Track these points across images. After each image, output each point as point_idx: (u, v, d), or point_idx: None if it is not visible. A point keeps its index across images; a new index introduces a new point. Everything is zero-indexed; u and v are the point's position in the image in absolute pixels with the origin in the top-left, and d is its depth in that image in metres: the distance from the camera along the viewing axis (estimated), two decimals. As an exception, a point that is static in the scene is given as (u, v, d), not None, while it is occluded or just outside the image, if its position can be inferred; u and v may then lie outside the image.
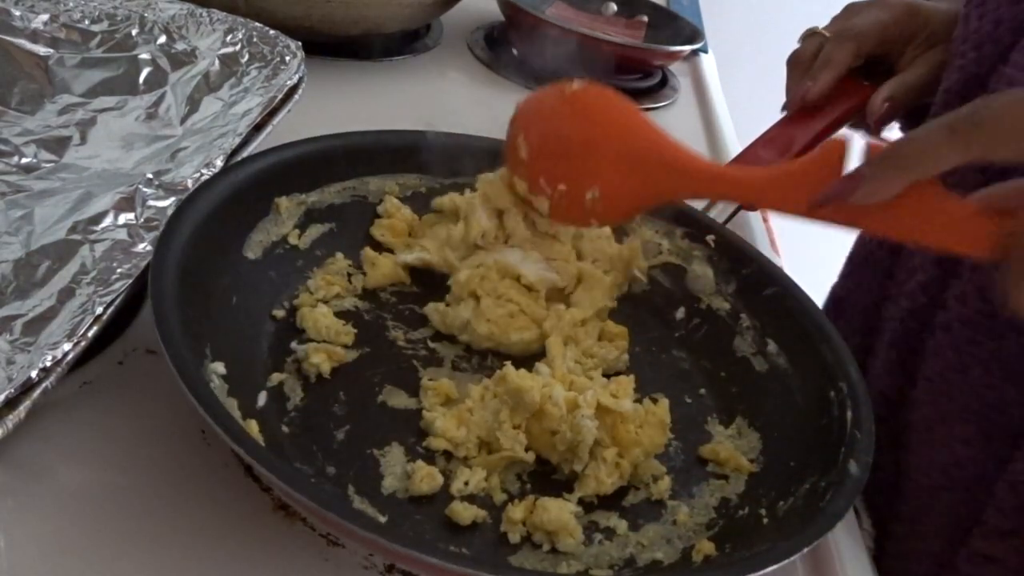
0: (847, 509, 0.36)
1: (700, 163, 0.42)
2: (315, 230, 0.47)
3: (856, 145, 0.36)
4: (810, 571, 0.41)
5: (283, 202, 0.45)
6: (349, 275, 0.48)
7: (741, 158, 0.53)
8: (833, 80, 0.55)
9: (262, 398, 0.39)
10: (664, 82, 0.87)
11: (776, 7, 1.45)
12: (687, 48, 0.85)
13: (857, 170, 0.35)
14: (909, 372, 0.48)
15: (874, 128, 0.55)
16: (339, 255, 0.47)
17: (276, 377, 0.40)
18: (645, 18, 0.89)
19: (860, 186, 0.35)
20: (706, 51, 0.95)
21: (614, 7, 0.91)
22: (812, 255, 0.93)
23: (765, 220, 0.68)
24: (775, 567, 0.32)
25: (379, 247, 0.49)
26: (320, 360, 0.41)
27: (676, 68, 0.91)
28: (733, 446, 0.43)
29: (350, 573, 0.34)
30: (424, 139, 0.51)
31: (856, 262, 0.58)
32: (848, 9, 0.59)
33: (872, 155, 0.35)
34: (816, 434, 0.41)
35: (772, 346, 0.47)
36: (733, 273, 0.50)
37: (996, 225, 0.34)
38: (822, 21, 0.61)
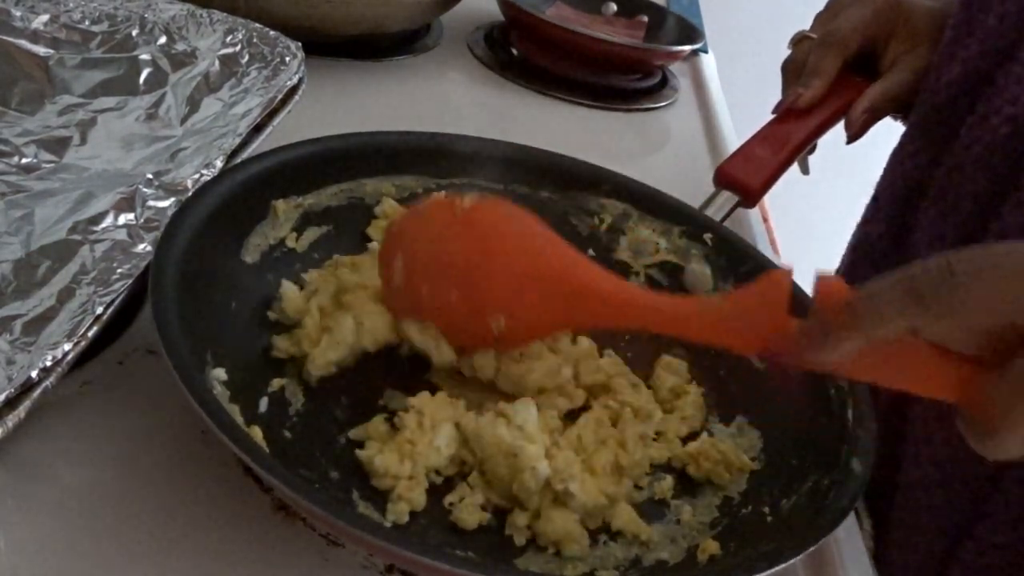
0: (851, 507, 0.36)
1: (616, 288, 0.38)
2: (312, 232, 0.47)
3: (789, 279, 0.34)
4: (810, 571, 0.41)
5: (280, 205, 0.45)
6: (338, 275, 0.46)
7: (738, 154, 0.53)
8: (823, 88, 0.55)
9: (263, 404, 0.39)
10: (664, 82, 0.87)
11: (776, 7, 1.45)
12: (687, 48, 0.85)
13: (809, 330, 0.32)
14: None
15: (852, 136, 0.55)
16: (337, 257, 0.47)
17: (277, 382, 0.40)
18: (645, 18, 0.89)
19: (812, 348, 0.32)
20: (706, 51, 0.95)
21: (614, 7, 0.91)
22: (812, 255, 0.93)
23: (765, 220, 0.68)
24: (781, 567, 0.32)
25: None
26: (286, 346, 0.41)
27: (676, 68, 0.91)
28: (734, 444, 0.43)
29: (350, 573, 0.34)
30: (420, 140, 0.51)
31: (857, 255, 0.58)
32: (830, 8, 0.59)
33: (825, 311, 0.31)
34: (817, 432, 0.41)
35: None
36: (731, 271, 0.50)
37: (966, 372, 0.31)
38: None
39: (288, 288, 0.43)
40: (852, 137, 0.56)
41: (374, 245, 0.48)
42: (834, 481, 0.37)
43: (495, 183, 0.51)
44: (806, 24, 0.63)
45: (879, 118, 0.55)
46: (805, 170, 0.58)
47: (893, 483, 0.49)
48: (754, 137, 0.53)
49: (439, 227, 0.40)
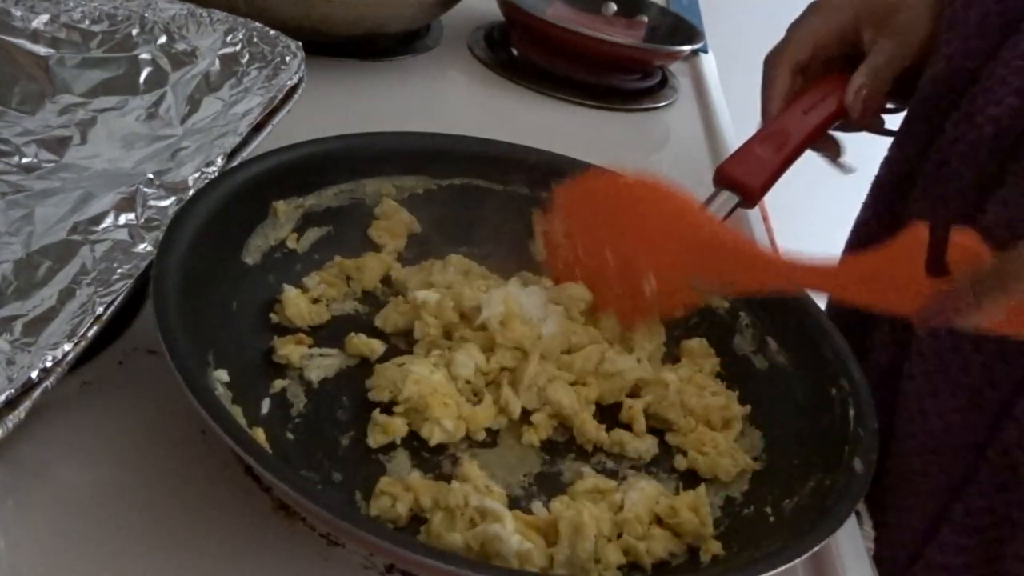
0: (853, 508, 0.36)
1: (763, 250, 0.42)
2: (313, 233, 0.47)
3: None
4: (810, 571, 0.41)
5: (280, 206, 0.45)
6: (348, 278, 0.47)
7: (738, 154, 0.53)
8: (778, 100, 0.54)
9: (266, 405, 0.39)
10: (664, 82, 0.87)
11: (776, 7, 1.44)
12: (687, 48, 0.85)
13: (959, 293, 0.35)
14: (903, 345, 0.49)
15: (862, 122, 0.54)
16: (337, 258, 0.47)
17: (279, 383, 0.40)
18: (645, 18, 0.89)
19: (964, 312, 0.34)
20: (706, 51, 0.95)
21: (614, 7, 0.91)
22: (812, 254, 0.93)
23: (765, 219, 0.68)
24: (784, 567, 0.32)
25: (377, 249, 0.49)
26: (288, 351, 0.41)
27: (676, 68, 0.91)
28: (736, 445, 0.43)
29: (350, 573, 0.34)
30: (421, 141, 0.51)
31: (859, 243, 0.59)
32: (802, 14, 0.58)
33: (966, 270, 0.34)
34: (819, 432, 0.41)
35: (772, 344, 0.46)
36: None
37: None
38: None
39: (289, 292, 0.43)
40: (863, 123, 0.55)
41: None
42: (836, 482, 0.37)
43: (496, 183, 0.51)
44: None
45: (878, 98, 0.53)
46: (847, 170, 0.57)
47: (887, 450, 0.50)
48: (754, 137, 0.53)
49: (601, 197, 0.44)
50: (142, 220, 0.42)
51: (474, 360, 0.42)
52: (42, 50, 0.51)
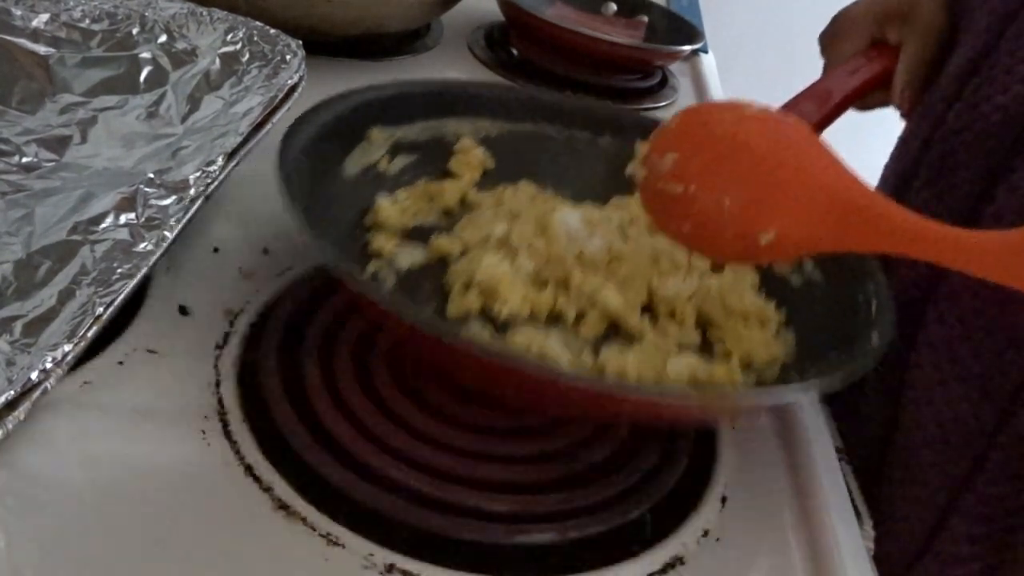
0: (868, 363, 0.38)
1: (899, 213, 0.36)
2: (401, 160, 0.53)
3: None
4: (810, 571, 0.41)
5: (375, 133, 0.52)
6: (431, 198, 0.53)
7: (785, 108, 0.52)
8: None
9: None
10: (664, 82, 0.87)
11: (776, 7, 1.45)
12: (687, 48, 0.85)
13: None
14: (909, 337, 0.49)
15: (908, 113, 0.57)
16: (422, 181, 0.54)
17: (372, 266, 0.47)
18: (645, 18, 0.89)
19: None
20: (706, 51, 0.95)
21: (614, 7, 0.91)
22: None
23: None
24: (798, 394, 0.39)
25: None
26: (380, 243, 0.48)
27: (676, 68, 0.91)
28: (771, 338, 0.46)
29: (350, 573, 0.34)
30: (501, 91, 0.61)
31: None
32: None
33: None
34: (845, 327, 0.43)
35: (808, 265, 0.49)
36: None
37: None
38: (822, 21, 0.62)
39: (382, 200, 0.51)
40: (909, 108, 0.57)
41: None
42: (851, 352, 0.39)
43: (560, 129, 0.57)
44: (805, 25, 0.63)
45: (921, 89, 0.56)
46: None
47: (891, 443, 0.51)
48: (801, 94, 0.55)
49: (724, 129, 0.39)
50: (143, 219, 0.42)
51: (533, 261, 0.48)
52: (42, 49, 0.51)
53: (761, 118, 0.40)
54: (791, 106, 0.53)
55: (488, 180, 0.55)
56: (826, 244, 0.38)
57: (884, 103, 0.59)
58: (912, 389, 0.50)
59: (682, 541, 0.39)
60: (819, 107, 0.53)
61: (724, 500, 0.42)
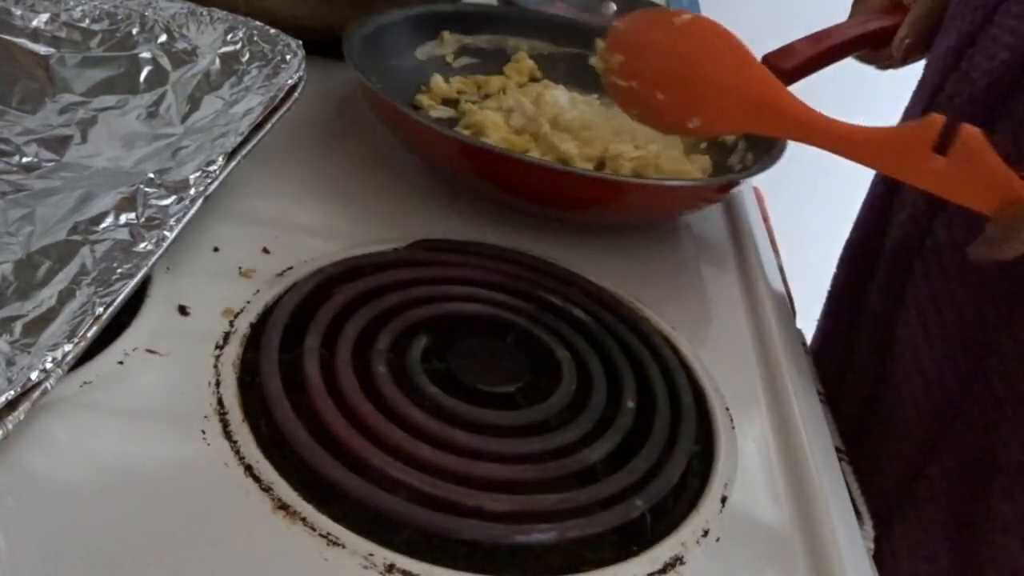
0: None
1: (801, 107, 0.45)
2: (464, 60, 0.70)
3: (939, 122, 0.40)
4: (810, 571, 0.41)
5: (447, 35, 0.69)
6: (479, 86, 0.68)
7: (782, 48, 0.58)
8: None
9: None
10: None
11: (776, 7, 1.44)
12: (687, 48, 0.84)
13: (989, 236, 0.41)
14: (897, 295, 0.53)
15: (900, 61, 0.61)
16: (478, 76, 0.69)
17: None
18: (645, 18, 0.89)
19: (1001, 248, 0.41)
20: (706, 51, 0.95)
21: (614, 7, 0.90)
22: (813, 255, 0.93)
23: (765, 219, 0.68)
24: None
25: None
26: (423, 98, 0.66)
27: (676, 68, 0.90)
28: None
29: (350, 573, 0.34)
30: (557, 19, 0.76)
31: (860, 241, 0.63)
32: None
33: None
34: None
35: (751, 157, 0.61)
36: None
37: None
38: (823, 21, 0.62)
39: (437, 77, 0.67)
40: (903, 59, 0.60)
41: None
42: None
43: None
44: (806, 24, 0.63)
45: (920, 44, 0.59)
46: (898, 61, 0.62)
47: (877, 397, 0.56)
48: (802, 37, 0.60)
49: (656, 36, 0.48)
50: (143, 219, 0.42)
51: (522, 119, 0.62)
52: (42, 49, 0.51)
53: (688, 27, 0.48)
54: (788, 45, 0.58)
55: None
56: (742, 128, 0.51)
57: (890, 61, 0.63)
58: (899, 344, 0.53)
59: (682, 541, 0.39)
60: (813, 46, 0.58)
61: (724, 500, 0.41)
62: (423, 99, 0.65)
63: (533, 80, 0.70)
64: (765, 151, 0.58)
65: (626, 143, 0.60)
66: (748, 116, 0.46)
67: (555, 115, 0.62)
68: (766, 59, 0.57)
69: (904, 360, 0.53)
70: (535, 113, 0.61)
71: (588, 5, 0.90)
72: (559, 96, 0.64)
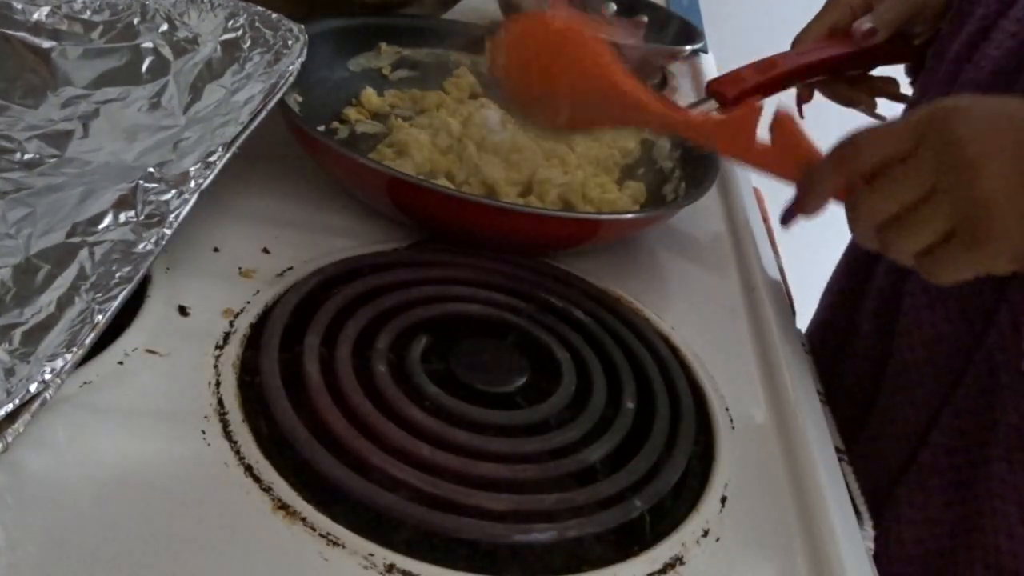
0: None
1: (656, 100, 0.50)
2: (402, 72, 0.68)
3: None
4: (810, 571, 0.41)
5: (384, 46, 0.67)
6: (414, 101, 0.66)
7: (729, 73, 0.62)
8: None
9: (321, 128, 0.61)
10: (664, 82, 0.87)
11: (776, 7, 1.44)
12: (687, 48, 0.84)
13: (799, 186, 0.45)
14: (903, 268, 0.53)
15: (859, 42, 0.62)
16: (414, 90, 0.67)
17: (334, 124, 0.62)
18: (645, 18, 0.89)
19: (805, 204, 0.45)
20: (706, 51, 0.95)
21: (614, 7, 0.90)
22: (813, 254, 0.93)
23: (765, 220, 0.68)
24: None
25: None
26: (351, 112, 0.63)
27: (676, 68, 0.90)
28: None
29: (350, 573, 0.34)
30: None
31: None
32: None
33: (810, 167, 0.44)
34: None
35: (684, 187, 0.61)
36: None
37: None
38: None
39: (370, 90, 0.65)
40: (862, 41, 0.62)
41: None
42: None
43: None
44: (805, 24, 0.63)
45: (878, 33, 0.61)
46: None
47: (882, 372, 0.58)
48: (750, 63, 0.62)
49: (532, 36, 0.52)
50: (142, 216, 0.41)
51: (448, 139, 0.60)
52: (44, 43, 0.51)
53: (556, 33, 0.51)
54: (734, 72, 0.62)
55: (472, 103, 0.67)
56: (609, 122, 0.54)
57: (850, 99, 0.66)
58: (905, 316, 0.55)
59: (682, 541, 0.39)
60: (757, 74, 0.62)
61: (724, 500, 0.42)
62: (351, 112, 0.63)
63: (473, 97, 0.68)
64: (696, 184, 0.59)
65: (555, 168, 0.60)
66: (610, 109, 0.50)
67: (483, 137, 0.61)
68: (711, 85, 0.62)
69: (911, 333, 0.55)
70: (461, 133, 0.60)
71: (588, 5, 0.90)
72: (490, 117, 0.63)
